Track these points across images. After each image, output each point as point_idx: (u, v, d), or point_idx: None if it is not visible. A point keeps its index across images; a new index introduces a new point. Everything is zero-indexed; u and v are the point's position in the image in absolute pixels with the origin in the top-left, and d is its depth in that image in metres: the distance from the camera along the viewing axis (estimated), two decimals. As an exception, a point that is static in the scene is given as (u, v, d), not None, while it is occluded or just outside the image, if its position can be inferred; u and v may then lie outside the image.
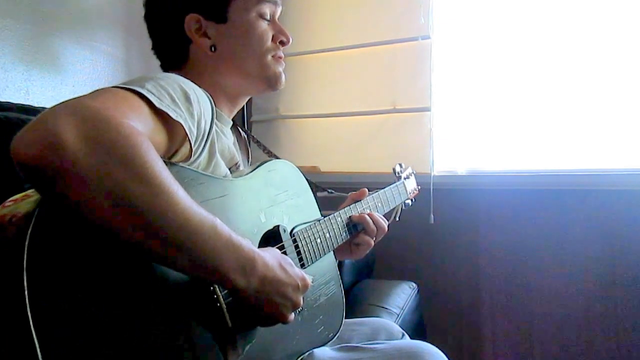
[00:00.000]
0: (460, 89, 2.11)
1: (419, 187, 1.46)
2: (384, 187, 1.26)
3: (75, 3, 1.68)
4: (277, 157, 1.08)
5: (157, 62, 0.96)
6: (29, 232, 0.49)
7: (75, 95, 0.55)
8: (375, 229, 1.07)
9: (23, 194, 0.58)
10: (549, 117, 1.97)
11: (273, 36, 0.94)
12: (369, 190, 1.18)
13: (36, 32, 1.54)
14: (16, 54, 1.48)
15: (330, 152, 2.28)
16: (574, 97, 1.93)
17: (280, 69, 0.95)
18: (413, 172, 1.45)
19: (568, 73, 1.93)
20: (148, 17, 0.94)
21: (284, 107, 2.34)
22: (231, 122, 0.96)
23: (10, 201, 0.57)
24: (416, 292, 1.93)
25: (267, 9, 0.92)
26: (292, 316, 0.71)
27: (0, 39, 1.43)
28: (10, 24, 1.46)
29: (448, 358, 1.00)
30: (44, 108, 1.31)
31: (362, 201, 1.13)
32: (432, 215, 2.04)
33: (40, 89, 1.55)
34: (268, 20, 0.93)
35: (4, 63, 1.45)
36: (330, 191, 1.19)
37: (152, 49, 0.95)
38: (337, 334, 0.98)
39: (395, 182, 1.32)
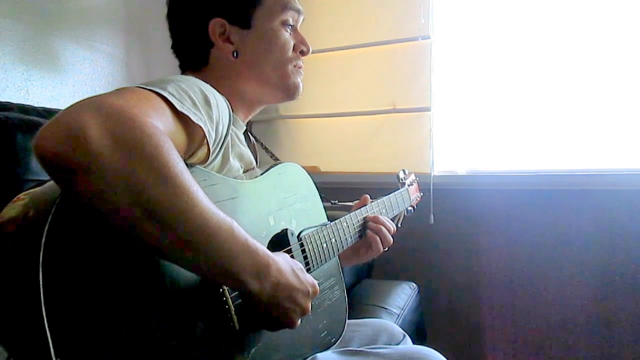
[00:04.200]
0: (460, 89, 2.11)
1: (422, 194, 1.47)
2: (388, 193, 1.26)
3: (75, 3, 1.67)
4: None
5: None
6: (46, 228, 0.50)
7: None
8: (388, 235, 1.09)
9: (24, 194, 0.58)
10: (549, 117, 1.97)
11: (294, 45, 0.94)
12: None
13: (36, 32, 1.53)
14: (16, 54, 1.47)
15: (330, 152, 2.28)
16: (573, 97, 1.93)
17: (299, 79, 0.96)
18: (417, 179, 1.45)
19: (568, 73, 1.94)
20: (171, 17, 0.93)
21: (284, 107, 2.33)
22: (244, 127, 0.96)
23: (11, 202, 0.57)
24: (416, 292, 1.93)
25: (290, 18, 0.92)
26: (299, 322, 0.71)
27: (0, 39, 1.43)
28: (10, 24, 1.45)
29: (448, 360, 1.01)
30: (44, 108, 1.33)
31: (367, 207, 1.13)
32: (432, 216, 2.05)
33: (40, 89, 1.54)
34: (290, 29, 0.94)
35: (4, 63, 1.44)
36: (334, 202, 1.19)
37: (172, 48, 0.95)
38: (340, 339, 0.98)
39: (399, 189, 1.32)
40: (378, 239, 1.08)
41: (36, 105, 1.35)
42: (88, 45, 1.71)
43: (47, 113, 1.30)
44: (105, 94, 0.57)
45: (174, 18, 0.93)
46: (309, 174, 1.01)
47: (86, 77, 1.70)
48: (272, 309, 0.67)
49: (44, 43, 1.56)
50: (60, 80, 1.61)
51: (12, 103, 1.29)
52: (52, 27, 1.58)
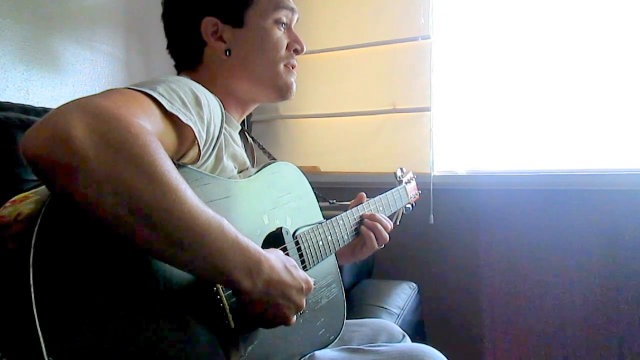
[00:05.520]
0: (460, 89, 2.11)
1: (420, 192, 1.47)
2: (385, 191, 1.26)
3: (75, 3, 1.67)
4: None
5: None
6: (36, 229, 0.49)
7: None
8: (383, 232, 1.09)
9: (22, 195, 0.58)
10: (549, 117, 1.97)
11: (287, 44, 0.94)
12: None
13: (36, 32, 1.53)
14: (16, 54, 1.48)
15: (330, 152, 2.28)
16: (573, 97, 1.93)
17: (292, 79, 0.95)
18: (414, 177, 1.45)
19: (568, 73, 1.93)
20: (165, 17, 0.94)
21: (284, 107, 2.33)
22: (239, 127, 0.96)
23: (9, 202, 0.57)
24: (416, 292, 1.94)
25: (283, 16, 0.92)
26: (294, 318, 0.71)
27: (0, 39, 1.43)
28: (10, 24, 1.45)
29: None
30: (44, 108, 1.33)
31: (363, 204, 1.14)
32: (432, 215, 2.05)
33: (40, 89, 1.55)
34: (284, 27, 0.93)
35: (4, 63, 1.44)
36: (331, 202, 1.19)
37: (167, 48, 0.95)
38: (339, 336, 0.98)
39: (396, 187, 1.32)
40: (372, 235, 1.08)
41: (36, 105, 1.35)
42: (88, 45, 1.71)
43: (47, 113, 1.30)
44: (92, 95, 0.56)
45: (168, 18, 0.94)
46: (303, 173, 1.01)
47: (86, 77, 1.70)
48: (265, 306, 0.66)
49: (44, 43, 1.56)
50: (60, 80, 1.61)
51: (12, 103, 1.29)
52: (52, 27, 1.59)
